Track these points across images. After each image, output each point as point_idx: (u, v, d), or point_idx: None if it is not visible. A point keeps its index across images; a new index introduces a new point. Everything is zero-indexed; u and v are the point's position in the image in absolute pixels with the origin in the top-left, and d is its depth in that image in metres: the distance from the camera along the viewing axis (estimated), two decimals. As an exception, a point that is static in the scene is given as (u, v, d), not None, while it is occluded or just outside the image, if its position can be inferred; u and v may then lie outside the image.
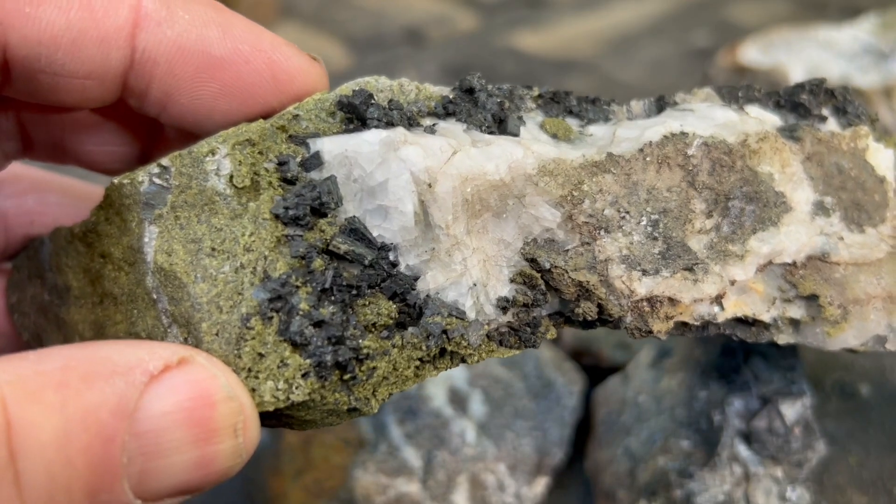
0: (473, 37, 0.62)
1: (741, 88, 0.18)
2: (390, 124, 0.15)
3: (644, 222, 0.16)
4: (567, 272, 0.15)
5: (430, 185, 0.14)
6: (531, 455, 0.24)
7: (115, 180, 0.15)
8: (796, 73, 0.36)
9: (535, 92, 0.17)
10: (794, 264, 0.16)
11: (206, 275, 0.14)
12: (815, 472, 0.24)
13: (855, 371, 0.27)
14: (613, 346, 0.27)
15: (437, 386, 0.24)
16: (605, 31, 0.61)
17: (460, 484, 0.23)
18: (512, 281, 0.15)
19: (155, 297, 0.14)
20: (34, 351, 0.12)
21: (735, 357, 0.22)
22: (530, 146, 0.15)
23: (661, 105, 0.18)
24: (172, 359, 0.13)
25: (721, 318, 0.16)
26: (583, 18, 0.64)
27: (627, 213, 0.16)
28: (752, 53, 0.37)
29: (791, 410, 0.21)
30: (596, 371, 0.27)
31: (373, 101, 0.15)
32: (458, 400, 0.24)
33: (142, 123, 0.17)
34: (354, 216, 0.15)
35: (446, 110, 0.16)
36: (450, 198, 0.15)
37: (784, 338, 0.17)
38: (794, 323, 0.17)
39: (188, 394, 0.12)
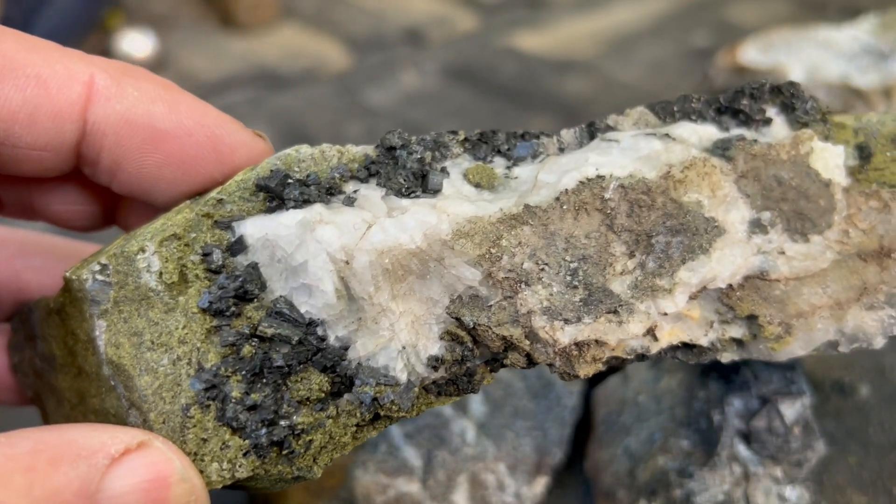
0: (473, 37, 0.62)
1: (677, 102, 0.18)
2: (307, 202, 0.16)
3: (563, 272, 0.16)
4: (491, 328, 0.15)
5: (347, 262, 0.15)
6: (531, 455, 0.24)
7: (67, 273, 0.16)
8: (796, 73, 0.36)
9: (461, 136, 0.17)
10: (730, 287, 0.16)
11: (149, 367, 0.15)
12: (814, 472, 0.24)
13: (854, 371, 0.27)
14: (613, 345, 0.27)
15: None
16: (604, 32, 0.61)
17: (460, 484, 0.23)
18: (441, 338, 0.16)
19: (112, 383, 0.15)
20: (5, 434, 0.13)
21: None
22: (446, 209, 0.16)
23: (591, 132, 0.18)
24: (132, 442, 0.14)
25: (655, 349, 0.16)
26: (582, 19, 0.64)
27: (546, 264, 0.16)
28: (752, 54, 0.37)
29: (790, 410, 0.21)
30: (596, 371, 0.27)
31: (289, 181, 0.16)
32: (457, 399, 0.24)
33: (101, 186, 0.18)
34: (280, 297, 0.15)
35: (368, 171, 0.16)
36: (368, 271, 0.15)
37: (728, 356, 0.17)
38: (737, 342, 0.17)
39: (146, 476, 0.14)
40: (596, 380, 0.27)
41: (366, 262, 0.15)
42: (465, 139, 0.17)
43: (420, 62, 0.58)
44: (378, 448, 0.23)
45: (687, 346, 0.17)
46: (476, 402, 0.24)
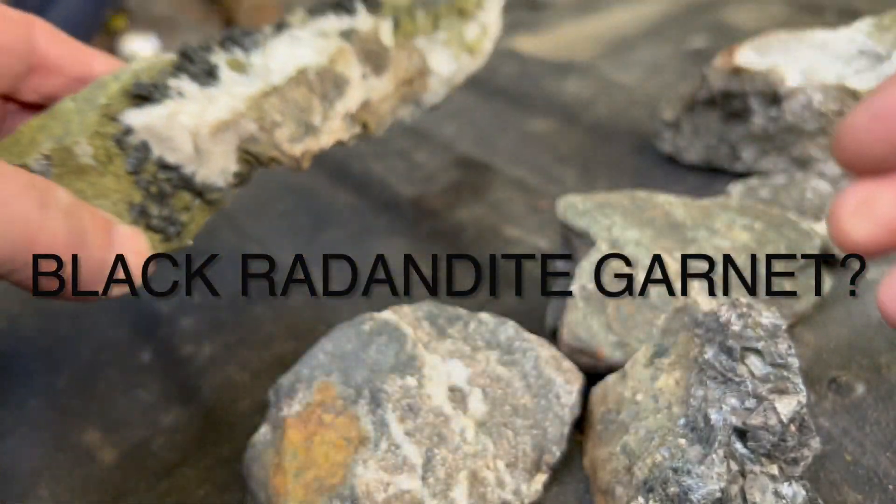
0: (473, 39, 0.63)
1: (316, 7, 0.30)
2: (165, 98, 0.26)
3: (296, 120, 0.28)
4: (263, 152, 0.28)
5: (195, 133, 0.26)
6: (530, 452, 0.24)
7: (16, 164, 0.24)
8: (793, 75, 0.36)
9: (217, 39, 0.28)
10: (355, 111, 0.30)
11: (97, 206, 0.25)
12: (810, 469, 0.24)
13: (851, 369, 0.27)
14: (612, 345, 0.27)
15: (438, 385, 0.25)
16: (603, 34, 0.61)
17: (460, 481, 0.23)
18: (237, 162, 0.27)
19: None
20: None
21: (731, 355, 0.22)
22: (231, 91, 0.27)
23: (279, 28, 0.29)
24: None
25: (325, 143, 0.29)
26: (582, 21, 0.64)
27: (285, 116, 0.28)
28: (749, 55, 0.37)
29: (786, 408, 0.21)
30: (594, 370, 0.27)
31: (149, 87, 0.26)
32: (457, 398, 0.24)
33: None
34: (160, 156, 0.26)
35: (180, 70, 0.27)
36: (205, 134, 0.26)
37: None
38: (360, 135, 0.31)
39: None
40: (594, 378, 0.27)
41: (204, 130, 0.26)
42: (220, 42, 0.28)
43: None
44: (379, 446, 0.23)
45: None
46: (476, 401, 0.24)
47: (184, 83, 0.26)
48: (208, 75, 0.27)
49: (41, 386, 0.32)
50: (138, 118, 0.25)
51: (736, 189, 0.36)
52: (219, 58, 0.27)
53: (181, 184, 0.26)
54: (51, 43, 0.27)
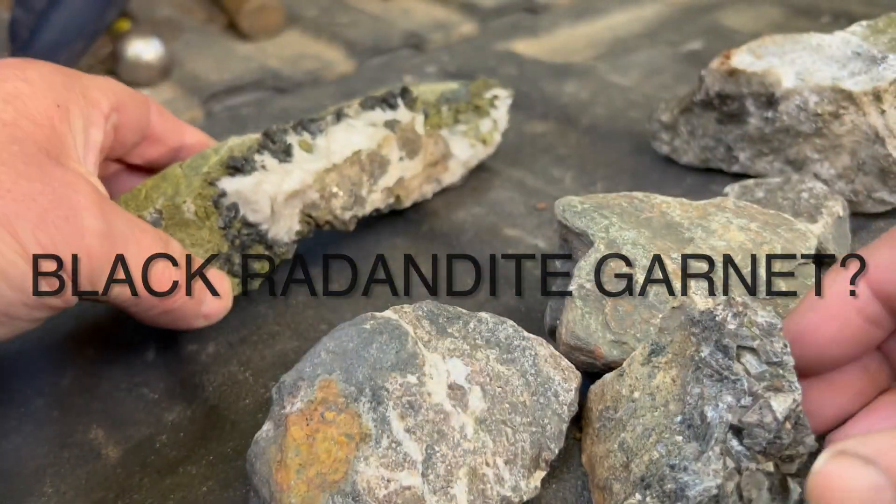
0: (473, 41, 0.63)
1: (367, 100, 0.37)
2: (253, 170, 0.32)
3: (348, 192, 0.35)
4: (321, 216, 0.35)
5: (274, 198, 0.32)
6: (529, 449, 0.24)
7: (135, 214, 0.31)
8: (788, 77, 0.36)
9: (290, 125, 0.35)
10: (392, 186, 0.38)
11: (194, 252, 0.31)
12: (805, 466, 0.25)
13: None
14: (610, 343, 0.27)
15: (438, 383, 0.25)
16: (601, 36, 0.62)
17: (460, 478, 0.23)
18: (299, 223, 0.34)
19: None
20: None
21: (727, 353, 0.22)
22: (303, 166, 0.34)
23: (338, 117, 0.36)
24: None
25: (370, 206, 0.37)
26: (580, 24, 0.65)
27: (340, 188, 0.35)
28: (745, 58, 0.38)
29: (782, 406, 0.21)
30: (592, 368, 0.28)
31: (240, 161, 0.32)
32: (457, 396, 0.25)
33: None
34: (244, 216, 0.32)
35: (264, 147, 0.33)
36: (282, 201, 0.33)
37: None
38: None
39: None
40: (592, 377, 0.27)
41: (280, 197, 0.32)
42: (293, 126, 0.35)
43: (420, 66, 0.59)
44: (380, 443, 0.24)
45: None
46: (475, 398, 0.25)
47: (266, 158, 0.33)
48: (285, 153, 0.33)
49: (45, 384, 0.33)
50: (232, 185, 0.31)
51: (732, 190, 0.36)
52: (292, 139, 0.34)
53: (258, 238, 0.32)
54: (158, 119, 0.33)
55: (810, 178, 0.36)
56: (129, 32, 0.57)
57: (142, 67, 0.55)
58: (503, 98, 0.42)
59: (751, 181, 0.36)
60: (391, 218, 0.40)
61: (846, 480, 0.17)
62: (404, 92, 0.38)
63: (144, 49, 0.56)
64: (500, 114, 0.42)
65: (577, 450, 0.27)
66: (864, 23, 0.38)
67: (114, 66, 0.56)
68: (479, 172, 0.44)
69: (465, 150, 0.40)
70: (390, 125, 0.36)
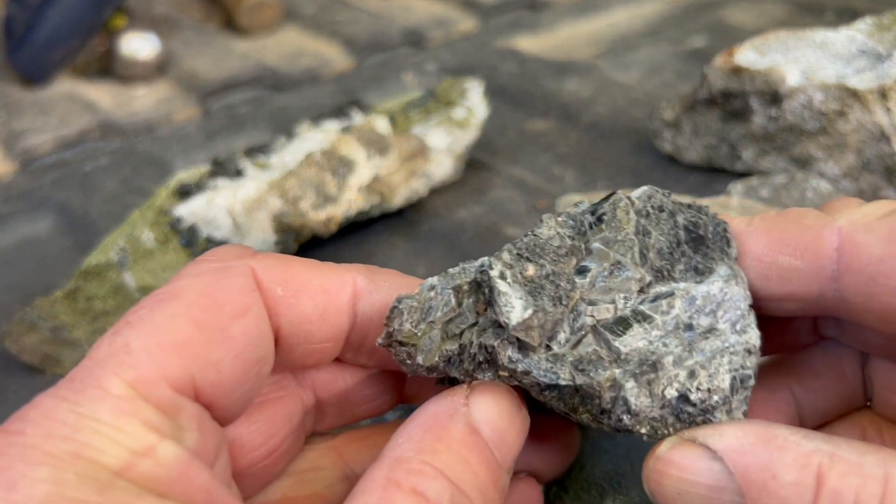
0: (474, 38, 0.63)
1: (328, 113, 0.40)
2: (205, 191, 0.34)
3: None
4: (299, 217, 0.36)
5: (232, 210, 0.34)
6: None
7: (83, 266, 0.32)
8: (793, 74, 0.36)
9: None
10: (369, 184, 0.38)
11: (161, 279, 0.32)
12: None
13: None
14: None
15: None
16: (603, 34, 0.61)
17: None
18: (274, 231, 0.35)
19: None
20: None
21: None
22: (257, 177, 0.36)
23: (289, 133, 0.40)
24: None
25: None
26: (581, 21, 0.64)
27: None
28: (749, 55, 0.37)
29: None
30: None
31: (194, 186, 0.35)
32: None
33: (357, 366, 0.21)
34: (206, 233, 0.34)
35: (216, 175, 0.36)
36: (240, 211, 0.34)
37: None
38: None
39: None
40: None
41: (238, 208, 0.33)
42: (245, 152, 0.38)
43: (420, 63, 0.58)
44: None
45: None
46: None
47: (219, 181, 0.35)
48: (237, 174, 0.35)
49: (48, 383, 0.32)
50: (186, 208, 0.33)
51: (736, 188, 0.36)
52: (245, 163, 0.36)
53: None
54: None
55: (815, 177, 0.36)
56: (125, 29, 0.56)
57: (138, 64, 0.55)
58: (473, 88, 0.42)
59: (755, 180, 0.36)
60: (391, 218, 0.40)
61: (685, 473, 0.15)
62: (358, 103, 0.41)
63: (141, 46, 0.55)
64: (474, 101, 0.42)
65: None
66: (869, 19, 0.37)
67: (110, 63, 0.56)
68: (479, 171, 0.43)
69: (443, 139, 0.39)
70: (345, 130, 0.38)
